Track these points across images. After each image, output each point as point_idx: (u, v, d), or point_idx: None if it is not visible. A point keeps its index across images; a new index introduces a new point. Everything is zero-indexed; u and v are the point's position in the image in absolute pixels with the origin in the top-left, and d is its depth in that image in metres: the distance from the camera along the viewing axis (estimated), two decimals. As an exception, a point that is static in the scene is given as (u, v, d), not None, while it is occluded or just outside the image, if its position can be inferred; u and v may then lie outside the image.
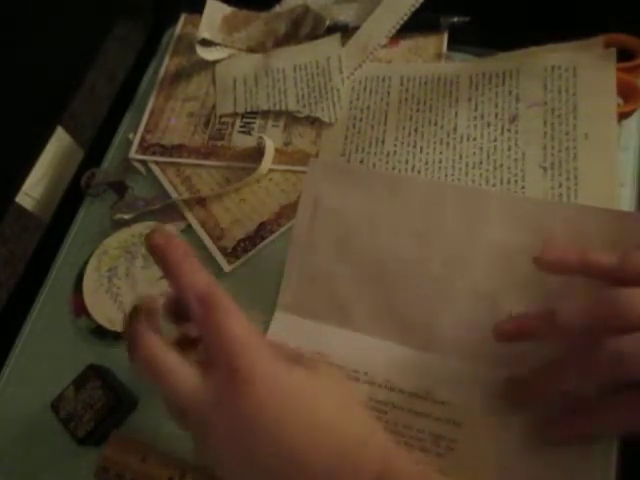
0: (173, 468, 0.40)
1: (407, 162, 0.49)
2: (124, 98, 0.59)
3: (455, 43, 0.54)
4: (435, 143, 0.49)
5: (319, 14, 0.56)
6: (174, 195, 0.52)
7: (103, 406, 0.42)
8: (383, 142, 0.50)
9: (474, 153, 0.48)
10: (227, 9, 0.60)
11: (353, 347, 0.43)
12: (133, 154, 0.55)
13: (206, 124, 0.55)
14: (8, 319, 0.50)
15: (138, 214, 0.51)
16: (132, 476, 0.40)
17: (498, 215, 0.42)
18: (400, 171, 0.49)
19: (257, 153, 0.52)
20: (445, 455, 0.38)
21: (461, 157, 0.48)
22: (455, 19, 0.54)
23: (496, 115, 0.48)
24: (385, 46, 0.55)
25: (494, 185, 0.46)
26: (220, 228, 0.50)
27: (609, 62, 0.46)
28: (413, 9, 0.53)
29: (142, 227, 0.51)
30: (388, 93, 0.53)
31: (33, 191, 0.52)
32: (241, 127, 0.55)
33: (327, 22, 0.56)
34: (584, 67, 0.47)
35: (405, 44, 0.55)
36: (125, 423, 0.43)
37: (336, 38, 0.56)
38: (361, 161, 0.50)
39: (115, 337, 0.46)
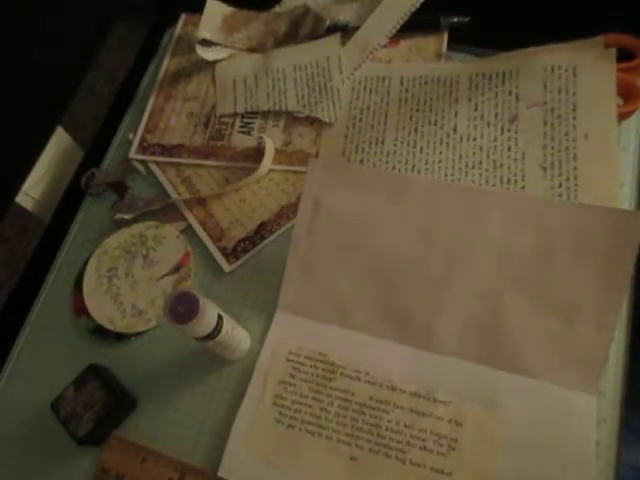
0: (173, 468, 0.40)
1: (407, 162, 0.49)
2: (124, 98, 0.59)
3: (455, 43, 0.54)
4: (435, 143, 0.49)
5: (319, 14, 0.56)
6: (174, 195, 0.52)
7: (103, 406, 0.42)
8: (383, 142, 0.50)
9: (474, 153, 0.48)
10: (227, 9, 0.60)
11: (354, 347, 0.43)
12: (133, 154, 0.55)
13: (206, 124, 0.55)
14: (8, 319, 0.50)
15: (138, 214, 0.51)
16: (132, 477, 0.40)
17: (498, 214, 0.42)
18: (400, 171, 0.49)
19: (257, 153, 0.52)
20: (447, 454, 0.38)
21: (461, 157, 0.48)
22: (455, 19, 0.54)
23: (496, 115, 0.49)
24: (385, 46, 0.55)
25: (494, 185, 0.46)
26: (220, 228, 0.50)
27: (609, 62, 0.46)
28: (413, 9, 0.53)
29: (142, 227, 0.51)
30: (388, 93, 0.53)
31: (33, 191, 0.52)
32: (241, 127, 0.55)
33: (327, 22, 0.56)
34: (584, 67, 0.47)
35: (405, 44, 0.55)
36: (125, 423, 0.43)
37: (336, 38, 0.56)
38: (361, 161, 0.50)
39: (115, 337, 0.46)
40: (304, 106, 0.53)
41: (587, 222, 0.40)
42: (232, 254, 0.48)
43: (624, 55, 0.47)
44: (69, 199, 0.55)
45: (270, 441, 0.40)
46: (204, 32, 0.57)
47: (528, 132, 0.47)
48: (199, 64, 0.59)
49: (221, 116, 0.55)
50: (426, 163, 0.49)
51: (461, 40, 0.54)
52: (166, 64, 0.60)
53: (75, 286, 0.50)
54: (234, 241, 0.49)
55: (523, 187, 0.45)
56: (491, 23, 0.51)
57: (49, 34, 0.50)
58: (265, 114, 0.55)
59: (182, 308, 0.34)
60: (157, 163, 0.54)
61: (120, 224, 0.51)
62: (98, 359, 0.45)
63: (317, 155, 0.51)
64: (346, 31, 0.56)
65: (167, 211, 0.51)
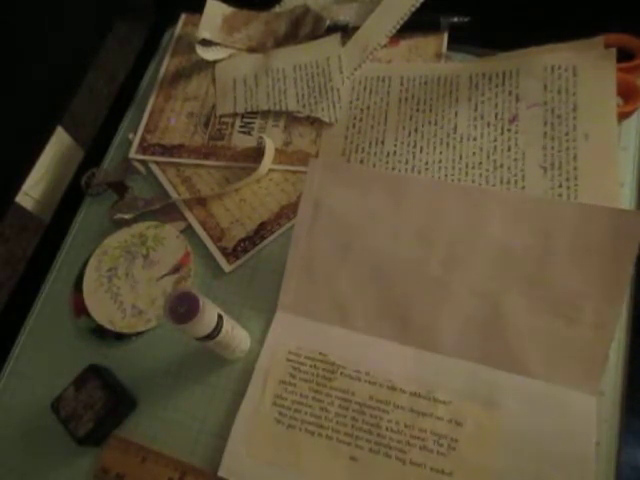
0: (173, 468, 0.40)
1: (407, 162, 0.49)
2: (124, 98, 0.59)
3: (455, 43, 0.54)
4: (435, 143, 0.49)
5: (319, 14, 0.56)
6: (174, 195, 0.52)
7: (103, 406, 0.42)
8: (383, 142, 0.50)
9: (474, 153, 0.48)
10: (227, 9, 0.60)
11: (354, 347, 0.43)
12: (133, 154, 0.55)
13: (206, 124, 0.55)
14: (8, 319, 0.50)
15: (138, 214, 0.51)
16: (132, 477, 0.40)
17: (498, 214, 0.42)
18: (400, 171, 0.49)
19: (257, 153, 0.52)
20: (447, 454, 0.38)
21: (461, 157, 0.48)
22: (455, 19, 0.54)
23: (496, 115, 0.49)
24: (385, 46, 0.55)
25: (494, 185, 0.46)
26: (220, 228, 0.50)
27: (609, 62, 0.46)
28: (413, 9, 0.53)
29: (142, 227, 0.51)
30: (388, 93, 0.53)
31: (33, 191, 0.52)
32: (241, 127, 0.55)
33: (327, 22, 0.56)
34: (584, 67, 0.47)
35: (405, 44, 0.55)
36: (125, 423, 0.43)
37: (336, 38, 0.56)
38: (361, 161, 0.50)
39: (115, 337, 0.46)
40: (304, 106, 0.53)
41: (587, 222, 0.40)
42: (232, 254, 0.48)
43: (624, 55, 0.47)
44: (69, 199, 0.55)
45: (270, 441, 0.40)
46: (204, 32, 0.57)
47: (528, 132, 0.47)
48: (199, 64, 0.59)
49: (221, 116, 0.55)
50: (426, 163, 0.49)
51: (461, 40, 0.54)
52: (166, 64, 0.60)
53: (75, 286, 0.50)
54: (234, 241, 0.49)
55: (523, 187, 0.45)
56: (491, 23, 0.51)
57: (49, 34, 0.50)
58: (265, 114, 0.55)
59: (182, 308, 0.34)
60: (157, 163, 0.54)
61: (120, 224, 0.51)
62: (98, 359, 0.45)
63: (317, 155, 0.51)
64: (346, 31, 0.56)
65: (167, 211, 0.51)
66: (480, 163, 0.47)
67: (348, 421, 0.40)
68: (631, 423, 0.39)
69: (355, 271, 0.44)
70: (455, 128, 0.49)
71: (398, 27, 0.53)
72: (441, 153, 0.49)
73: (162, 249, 0.49)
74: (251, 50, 0.59)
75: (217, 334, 0.37)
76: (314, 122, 0.53)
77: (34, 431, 0.44)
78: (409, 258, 0.43)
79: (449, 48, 0.54)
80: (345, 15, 0.56)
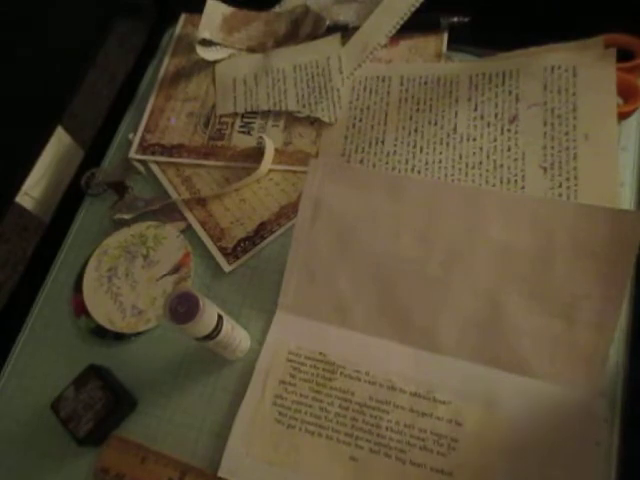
0: (173, 468, 0.40)
1: (407, 162, 0.49)
2: (124, 98, 0.59)
3: (455, 43, 0.54)
4: (435, 143, 0.49)
5: (319, 14, 0.56)
6: (174, 195, 0.52)
7: (103, 406, 0.42)
8: (383, 142, 0.50)
9: (474, 153, 0.48)
10: (227, 9, 0.60)
11: (354, 347, 0.43)
12: (133, 154, 0.55)
13: (206, 124, 0.55)
14: (8, 319, 0.50)
15: (138, 214, 0.51)
16: (132, 477, 0.40)
17: (498, 214, 0.42)
18: (400, 171, 0.49)
19: (257, 153, 0.52)
20: (447, 454, 0.38)
21: (461, 157, 0.48)
22: (455, 19, 0.54)
23: (496, 115, 0.49)
24: (385, 46, 0.55)
25: (494, 185, 0.46)
26: (220, 228, 0.50)
27: (609, 62, 0.46)
28: (413, 9, 0.53)
29: (142, 227, 0.51)
30: (388, 93, 0.53)
31: (33, 191, 0.52)
32: (241, 127, 0.55)
33: (327, 22, 0.56)
34: (584, 67, 0.47)
35: (405, 44, 0.55)
36: (125, 423, 0.43)
37: (336, 38, 0.56)
38: (361, 161, 0.50)
39: (115, 337, 0.46)
40: (304, 106, 0.53)
41: (587, 222, 0.40)
42: (232, 254, 0.48)
43: (624, 55, 0.47)
44: (69, 199, 0.55)
45: (270, 441, 0.40)
46: (204, 32, 0.57)
47: (528, 132, 0.47)
48: (199, 64, 0.59)
49: (221, 116, 0.55)
50: (426, 163, 0.49)
51: (461, 40, 0.54)
52: (166, 64, 0.60)
53: (75, 286, 0.50)
54: (234, 241, 0.49)
55: (523, 187, 0.45)
56: (491, 23, 0.51)
57: (49, 34, 0.50)
58: (265, 114, 0.55)
59: (182, 308, 0.34)
60: (157, 163, 0.54)
61: (120, 224, 0.51)
62: (98, 359, 0.45)
63: (317, 155, 0.51)
64: (346, 31, 0.56)
65: (167, 211, 0.51)
66: (480, 163, 0.47)
67: (348, 421, 0.40)
68: (631, 423, 0.39)
69: (355, 271, 0.44)
70: (455, 128, 0.49)
71: (398, 27, 0.53)
72: (441, 153, 0.49)
73: (162, 249, 0.49)
74: (251, 50, 0.59)
75: (217, 334, 0.37)
76: (314, 122, 0.53)
77: (34, 431, 0.44)
78: (409, 258, 0.43)
79: (449, 48, 0.54)
80: (345, 15, 0.56)
